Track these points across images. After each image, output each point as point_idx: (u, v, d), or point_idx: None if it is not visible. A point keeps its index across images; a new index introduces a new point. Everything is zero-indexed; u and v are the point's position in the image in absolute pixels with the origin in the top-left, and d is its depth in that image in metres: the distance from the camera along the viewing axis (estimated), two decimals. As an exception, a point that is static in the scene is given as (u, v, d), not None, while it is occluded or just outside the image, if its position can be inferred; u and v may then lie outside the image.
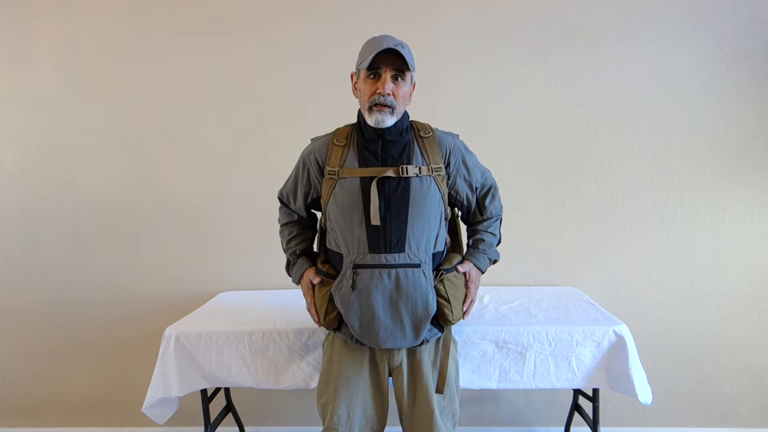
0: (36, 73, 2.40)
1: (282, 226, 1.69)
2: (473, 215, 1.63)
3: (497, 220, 1.65)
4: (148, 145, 2.41)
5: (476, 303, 2.07)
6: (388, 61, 1.38)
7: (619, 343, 1.76)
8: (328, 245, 1.55)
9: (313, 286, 1.56)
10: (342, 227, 1.45)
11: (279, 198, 1.70)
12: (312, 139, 1.58)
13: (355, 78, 1.49)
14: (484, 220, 1.62)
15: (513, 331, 1.78)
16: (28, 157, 2.44)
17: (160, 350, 1.82)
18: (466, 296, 1.54)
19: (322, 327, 1.58)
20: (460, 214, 1.66)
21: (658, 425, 2.43)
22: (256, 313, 2.00)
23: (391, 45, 1.36)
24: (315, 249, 1.69)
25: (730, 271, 2.33)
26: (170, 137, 2.41)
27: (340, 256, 1.48)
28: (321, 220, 1.58)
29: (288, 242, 1.66)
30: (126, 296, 2.47)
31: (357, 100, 1.51)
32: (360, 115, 1.49)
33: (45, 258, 2.47)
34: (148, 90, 2.39)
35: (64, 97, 2.40)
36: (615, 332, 1.77)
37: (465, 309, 1.55)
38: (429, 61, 2.28)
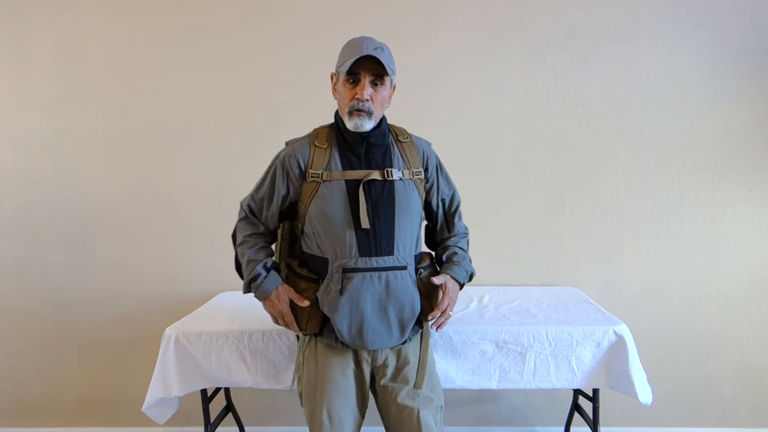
0: (36, 73, 2.40)
1: (245, 236, 1.55)
2: (440, 232, 1.64)
3: (464, 237, 1.66)
4: (148, 145, 2.41)
5: (476, 303, 2.08)
6: (367, 66, 1.37)
7: (619, 343, 1.76)
8: (306, 250, 1.52)
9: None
10: (328, 231, 1.43)
11: (246, 207, 1.58)
12: (287, 143, 1.55)
13: (334, 80, 1.48)
14: (452, 236, 1.64)
15: (513, 331, 1.78)
16: (28, 157, 2.44)
17: (160, 350, 1.82)
18: (438, 305, 1.50)
19: (301, 333, 1.54)
20: (427, 225, 1.67)
21: (658, 425, 2.43)
22: (256, 313, 1.98)
23: (370, 49, 1.35)
24: (277, 257, 1.64)
25: (730, 271, 2.33)
26: (170, 137, 2.41)
27: (324, 260, 1.45)
28: (296, 225, 1.56)
29: (256, 252, 1.53)
30: (126, 296, 2.47)
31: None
32: (338, 117, 1.48)
33: (45, 258, 2.47)
34: (148, 90, 2.39)
35: (64, 97, 2.40)
36: (615, 332, 1.77)
37: (435, 318, 1.49)
38: (429, 60, 2.28)
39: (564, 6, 2.28)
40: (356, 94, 1.39)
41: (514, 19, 2.29)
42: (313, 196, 1.44)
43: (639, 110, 2.29)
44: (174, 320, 1.97)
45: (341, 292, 1.41)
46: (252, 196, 1.58)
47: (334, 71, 1.48)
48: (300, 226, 1.53)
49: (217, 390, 2.18)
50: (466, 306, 2.04)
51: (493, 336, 1.78)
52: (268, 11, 2.34)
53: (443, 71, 2.31)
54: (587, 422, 2.03)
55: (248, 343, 1.81)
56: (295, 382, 1.66)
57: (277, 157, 1.53)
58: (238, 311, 2.03)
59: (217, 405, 2.18)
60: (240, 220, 1.60)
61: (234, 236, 1.60)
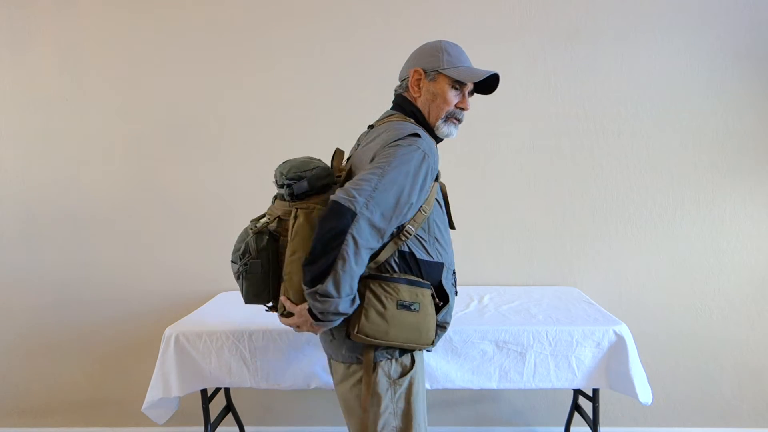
0: (36, 73, 2.40)
1: (365, 251, 1.19)
2: None
3: None
4: (148, 145, 2.41)
5: (476, 303, 2.09)
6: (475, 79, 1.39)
7: (619, 343, 1.76)
8: (423, 257, 1.32)
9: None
10: (446, 235, 1.39)
11: (379, 211, 1.18)
12: (421, 135, 1.28)
13: (423, 76, 1.37)
14: None
15: (513, 331, 1.79)
16: (28, 157, 2.44)
17: (160, 350, 1.82)
18: None
19: (424, 349, 1.38)
20: None
21: (658, 425, 2.43)
22: (256, 313, 1.99)
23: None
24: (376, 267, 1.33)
25: (730, 271, 2.33)
26: (170, 137, 2.41)
27: (440, 265, 1.34)
28: (410, 229, 1.29)
29: (357, 281, 1.22)
30: (126, 296, 2.47)
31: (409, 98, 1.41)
32: (420, 116, 1.39)
33: (45, 258, 2.47)
34: (148, 90, 2.39)
35: (64, 97, 2.40)
36: (615, 332, 1.77)
37: None
38: (429, 61, 2.28)
39: (564, 6, 2.28)
40: (460, 103, 1.39)
41: (515, 19, 2.29)
42: (434, 197, 1.34)
43: (639, 110, 2.29)
44: (174, 320, 1.97)
45: (456, 294, 1.42)
46: (382, 200, 1.19)
47: (430, 68, 1.37)
48: (414, 229, 1.30)
49: (217, 390, 2.18)
50: (466, 306, 2.05)
51: (493, 336, 1.78)
52: (268, 11, 2.34)
53: (443, 71, 2.31)
54: (587, 422, 2.03)
55: (248, 343, 1.81)
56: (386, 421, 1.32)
57: (425, 155, 1.24)
58: (238, 311, 2.03)
59: (217, 405, 2.18)
60: (367, 222, 1.17)
61: (354, 237, 1.15)
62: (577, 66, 2.29)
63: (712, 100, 2.27)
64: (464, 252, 2.38)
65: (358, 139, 1.47)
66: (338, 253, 1.15)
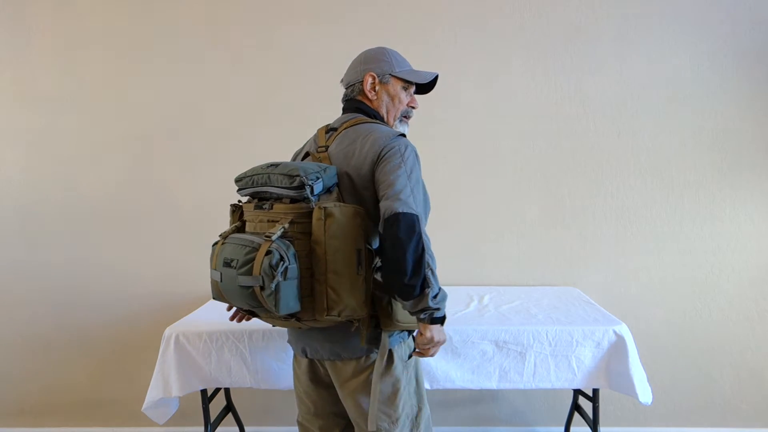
0: (36, 73, 2.40)
1: (427, 238, 1.27)
2: None
3: None
4: (148, 145, 2.41)
5: (476, 303, 2.09)
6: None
7: (619, 343, 1.76)
8: None
9: None
10: None
11: (422, 214, 1.29)
12: (404, 135, 1.39)
13: (376, 80, 1.44)
14: None
15: (513, 331, 1.78)
16: (28, 158, 2.44)
17: (160, 350, 1.82)
18: None
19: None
20: None
21: (658, 425, 2.43)
22: (256, 313, 2.00)
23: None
24: None
25: (730, 271, 2.33)
26: (170, 137, 2.41)
27: None
28: None
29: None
30: (126, 296, 2.47)
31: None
32: (380, 117, 1.45)
33: (45, 258, 2.47)
34: (148, 90, 2.39)
35: (64, 97, 2.40)
36: (615, 332, 1.77)
37: None
38: (429, 61, 2.28)
39: (564, 6, 2.28)
40: (411, 102, 1.50)
41: (515, 19, 2.30)
42: None
43: (639, 110, 2.29)
44: (174, 320, 1.97)
45: None
46: (420, 198, 1.30)
47: (382, 72, 1.44)
48: None
49: (217, 390, 2.18)
50: (466, 306, 2.05)
51: (493, 336, 1.78)
52: (269, 13, 2.34)
53: (444, 71, 2.30)
54: (587, 422, 2.03)
55: (248, 343, 1.81)
56: (403, 403, 1.38)
57: (414, 152, 1.34)
58: (238, 311, 2.03)
59: (217, 405, 2.18)
60: (424, 217, 1.30)
61: (426, 234, 1.27)
62: (577, 66, 2.29)
63: (712, 100, 2.27)
64: (464, 252, 2.38)
65: (317, 141, 1.44)
66: (425, 254, 1.22)
